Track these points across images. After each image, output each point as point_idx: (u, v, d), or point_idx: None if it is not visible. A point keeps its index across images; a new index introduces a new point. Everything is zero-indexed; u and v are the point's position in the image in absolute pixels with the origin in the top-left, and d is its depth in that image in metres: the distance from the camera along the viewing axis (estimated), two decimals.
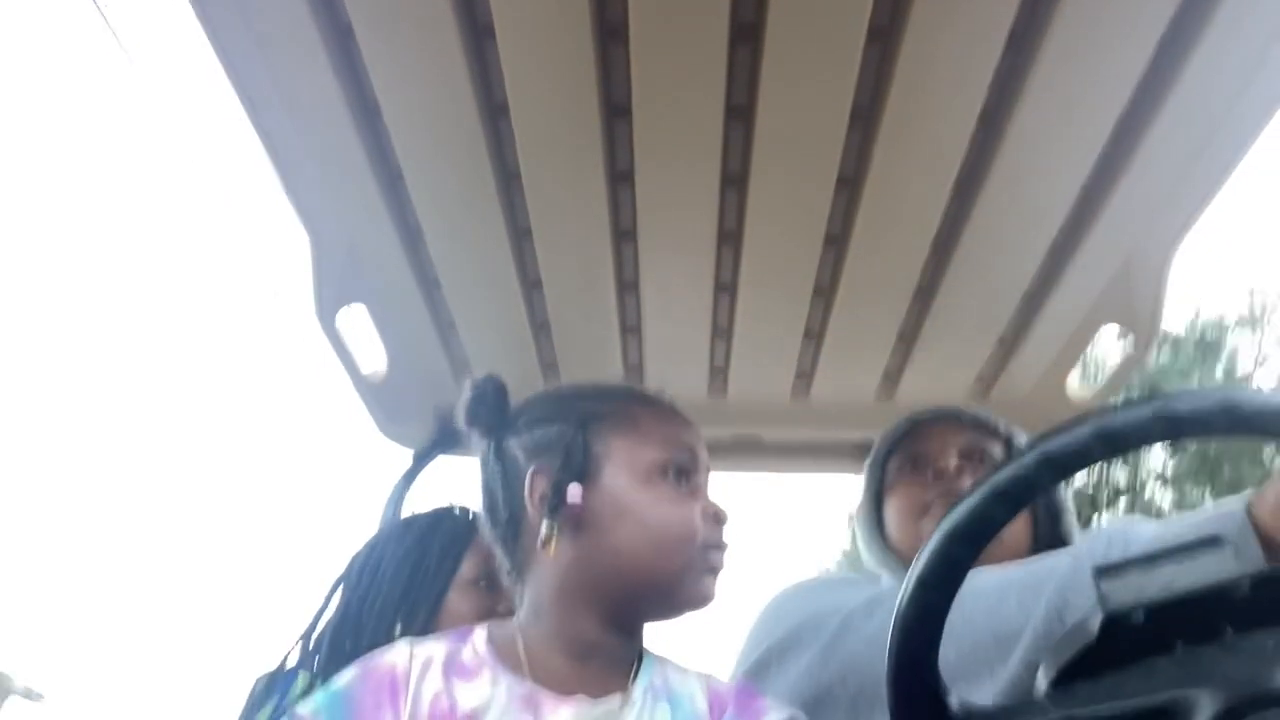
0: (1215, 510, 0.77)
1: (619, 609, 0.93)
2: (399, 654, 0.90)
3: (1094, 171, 1.32)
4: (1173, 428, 0.62)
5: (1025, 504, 0.65)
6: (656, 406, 1.03)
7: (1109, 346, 1.68)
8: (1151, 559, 0.66)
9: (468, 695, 0.86)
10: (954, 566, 0.65)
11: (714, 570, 0.95)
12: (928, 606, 0.66)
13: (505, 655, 0.91)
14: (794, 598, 1.24)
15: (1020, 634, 0.84)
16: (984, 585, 0.88)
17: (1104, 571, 0.66)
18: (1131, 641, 0.63)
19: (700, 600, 0.94)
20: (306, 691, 1.34)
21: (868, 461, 1.54)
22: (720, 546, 0.96)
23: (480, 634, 0.93)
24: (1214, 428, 0.63)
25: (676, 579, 0.93)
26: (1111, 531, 0.83)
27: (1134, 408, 0.63)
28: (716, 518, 0.96)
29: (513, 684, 0.88)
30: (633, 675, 0.92)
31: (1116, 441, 0.63)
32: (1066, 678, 0.65)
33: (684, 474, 0.96)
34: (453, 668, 0.89)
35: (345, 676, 0.89)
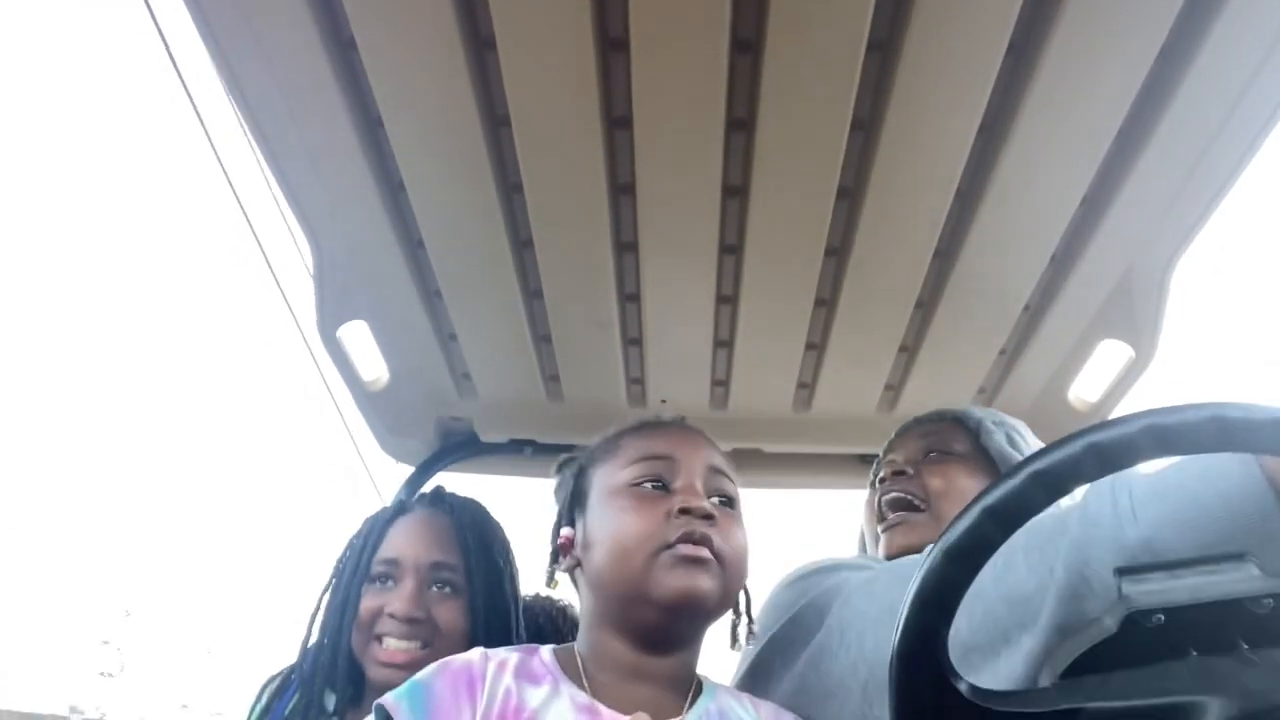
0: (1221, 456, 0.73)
1: (627, 625, 0.97)
2: (475, 655, 0.97)
3: (1094, 182, 1.32)
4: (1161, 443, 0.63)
5: (1020, 523, 0.65)
6: (642, 429, 1.08)
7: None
8: (1175, 566, 0.66)
9: (533, 696, 0.92)
10: (953, 587, 0.65)
11: (686, 560, 0.93)
12: (948, 584, 0.65)
13: (568, 670, 0.97)
14: (791, 587, 1.23)
15: (1036, 598, 0.81)
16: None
17: (1125, 572, 0.66)
18: (1146, 643, 0.63)
19: (676, 592, 0.93)
20: (302, 707, 1.34)
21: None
22: (692, 535, 0.94)
23: (546, 650, 1.00)
24: (1204, 443, 0.63)
25: (643, 578, 0.94)
26: (1113, 482, 0.80)
27: (1122, 423, 0.64)
28: (686, 509, 0.96)
29: (575, 694, 0.93)
30: (689, 702, 0.97)
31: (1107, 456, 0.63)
32: (1076, 670, 0.65)
33: (658, 480, 1.00)
34: (523, 672, 0.95)
35: (425, 672, 0.95)
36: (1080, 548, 0.80)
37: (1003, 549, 0.86)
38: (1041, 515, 0.88)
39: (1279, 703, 0.57)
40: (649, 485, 1.00)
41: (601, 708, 0.92)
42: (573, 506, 1.07)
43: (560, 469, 1.18)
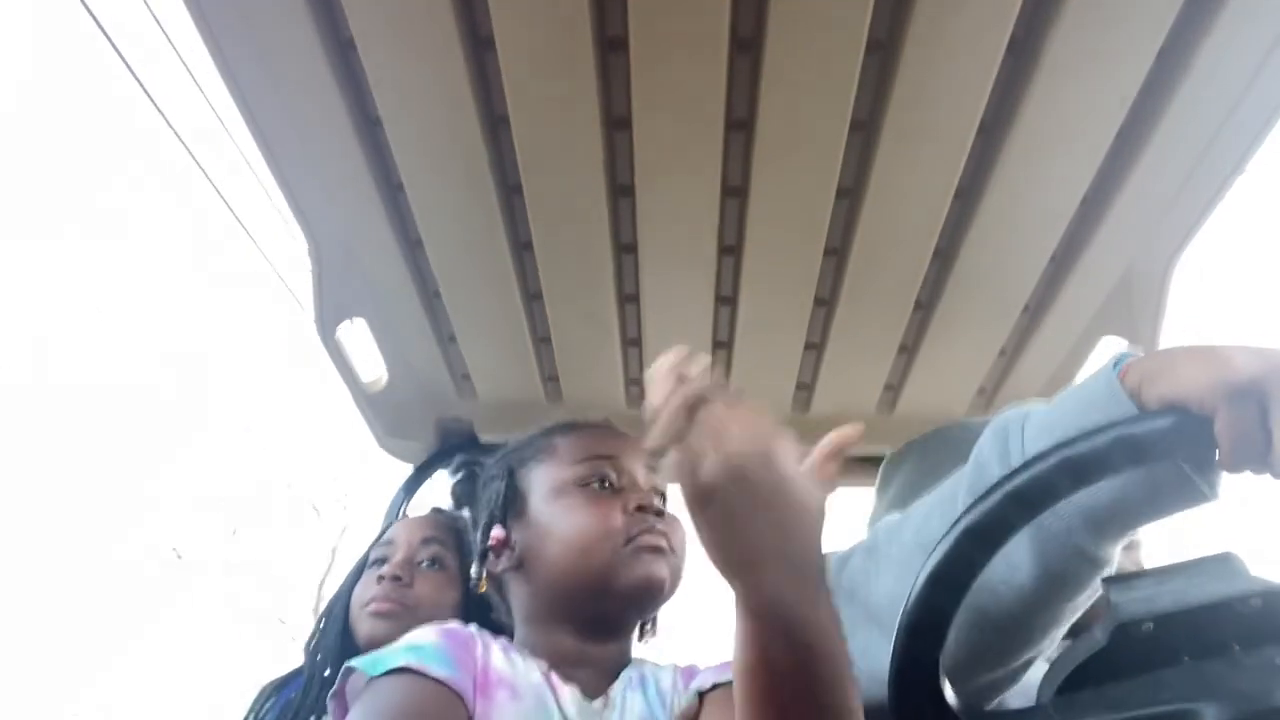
0: (1094, 377, 0.75)
1: (579, 616, 1.01)
2: (451, 623, 1.00)
3: (1094, 181, 1.32)
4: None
5: (1043, 508, 0.65)
6: (576, 429, 1.12)
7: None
8: (1162, 572, 0.66)
9: (498, 661, 0.95)
10: (968, 566, 0.65)
11: (649, 549, 0.98)
12: (937, 606, 0.65)
13: (519, 650, 1.00)
14: None
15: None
16: (914, 511, 0.92)
17: (1113, 581, 0.67)
18: (1138, 652, 0.63)
19: (642, 580, 0.97)
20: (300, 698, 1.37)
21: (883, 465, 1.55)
22: (651, 529, 0.99)
23: (498, 640, 1.03)
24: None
25: (609, 570, 0.98)
26: (1006, 420, 0.82)
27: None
28: (641, 506, 1.00)
29: (536, 662, 0.97)
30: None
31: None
32: (1071, 686, 0.65)
33: (604, 479, 1.03)
34: (490, 641, 0.99)
35: (421, 636, 0.94)
36: (973, 490, 0.81)
37: (925, 506, 0.89)
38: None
39: (1271, 705, 0.57)
40: (598, 484, 1.03)
41: (554, 674, 0.96)
42: (505, 508, 1.08)
43: (462, 469, 1.20)
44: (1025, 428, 0.79)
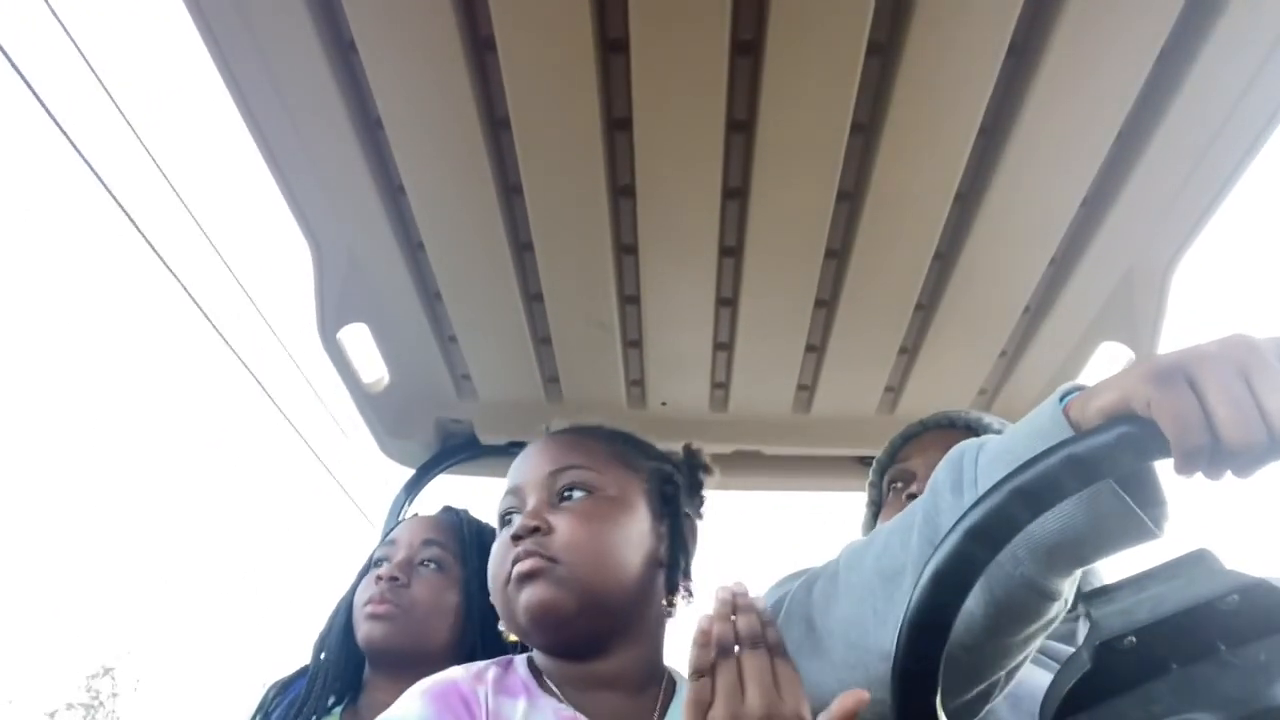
0: (1041, 407, 0.75)
1: (538, 647, 1.00)
2: (456, 673, 0.94)
3: (1095, 184, 1.32)
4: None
5: (1048, 506, 0.64)
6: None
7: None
8: (1137, 580, 0.65)
9: (513, 711, 0.91)
10: (970, 562, 0.64)
11: (520, 577, 0.94)
12: (922, 653, 0.65)
13: (541, 682, 0.96)
14: (770, 590, 1.23)
15: (904, 570, 0.82)
16: (876, 538, 0.91)
17: (1091, 597, 0.66)
18: (1125, 668, 0.62)
19: (523, 611, 0.94)
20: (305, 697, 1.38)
21: (869, 478, 1.53)
22: (521, 556, 0.95)
23: (520, 662, 1.00)
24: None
25: (507, 609, 0.98)
26: (962, 450, 0.82)
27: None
28: (511, 539, 0.98)
29: (557, 707, 0.92)
30: (660, 707, 0.97)
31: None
32: (1065, 712, 0.64)
33: (509, 514, 1.03)
34: (501, 687, 0.94)
35: (409, 705, 0.88)
36: (930, 517, 0.81)
37: (885, 532, 0.89)
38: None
39: (1258, 708, 0.57)
40: (504, 521, 1.03)
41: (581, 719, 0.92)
42: None
43: None
44: (979, 457, 0.79)
